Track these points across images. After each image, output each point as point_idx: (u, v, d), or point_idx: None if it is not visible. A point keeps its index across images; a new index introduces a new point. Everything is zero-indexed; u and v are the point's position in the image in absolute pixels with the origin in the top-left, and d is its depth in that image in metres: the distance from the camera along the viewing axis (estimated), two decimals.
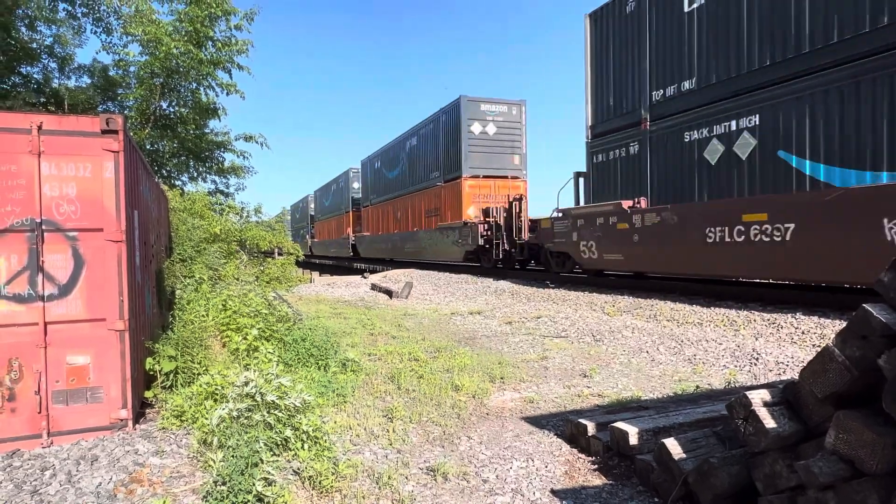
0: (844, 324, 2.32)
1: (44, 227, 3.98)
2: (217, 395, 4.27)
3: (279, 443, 3.57)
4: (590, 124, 13.44)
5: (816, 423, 2.46)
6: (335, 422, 4.45)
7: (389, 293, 15.54)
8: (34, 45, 16.12)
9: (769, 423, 2.51)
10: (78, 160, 4.05)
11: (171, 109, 16.95)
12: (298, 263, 41.25)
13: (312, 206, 48.77)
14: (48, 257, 3.99)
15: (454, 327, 9.74)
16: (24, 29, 15.66)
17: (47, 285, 4.00)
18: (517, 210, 16.80)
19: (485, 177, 20.50)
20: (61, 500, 3.10)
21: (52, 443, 3.95)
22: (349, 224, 35.62)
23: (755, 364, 6.28)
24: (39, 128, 3.96)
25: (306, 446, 3.61)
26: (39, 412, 3.95)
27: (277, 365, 5.30)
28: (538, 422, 4.56)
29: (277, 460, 3.35)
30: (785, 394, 2.62)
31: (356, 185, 35.47)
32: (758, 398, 2.60)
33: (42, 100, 15.55)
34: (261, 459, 3.16)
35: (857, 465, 2.17)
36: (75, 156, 4.05)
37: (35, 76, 16.56)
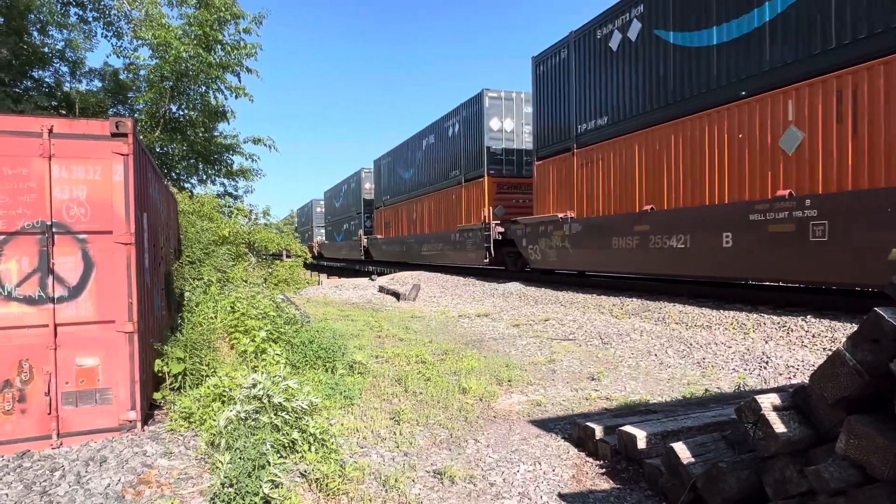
0: (856, 327, 2.30)
1: (54, 229, 4.01)
2: (225, 396, 4.28)
3: (286, 445, 3.58)
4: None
5: (827, 427, 2.43)
6: (342, 424, 4.45)
7: (397, 295, 15.55)
8: (46, 50, 16.27)
9: (779, 427, 2.48)
10: (88, 163, 4.09)
11: (181, 113, 17.07)
12: (318, 266, 38.22)
13: (369, 186, 32.60)
14: (58, 259, 4.02)
15: (461, 330, 9.72)
16: (35, 33, 15.82)
17: (57, 287, 4.03)
18: None
19: None
20: (70, 502, 3.12)
21: (61, 444, 3.98)
22: (484, 201, 18.18)
23: (765, 367, 6.23)
24: (50, 131, 3.99)
25: (313, 448, 3.61)
26: (49, 413, 3.98)
27: (285, 367, 5.32)
28: (545, 425, 4.54)
29: (284, 462, 3.36)
30: (795, 398, 2.59)
31: (498, 122, 18.55)
32: (767, 402, 2.58)
33: (53, 103, 15.68)
34: (268, 461, 3.17)
35: (869, 471, 2.14)
36: (85, 159, 4.08)
37: (47, 80, 16.73)
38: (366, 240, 31.99)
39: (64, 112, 15.15)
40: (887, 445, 2.07)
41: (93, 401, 4.10)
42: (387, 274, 23.54)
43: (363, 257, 32.76)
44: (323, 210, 46.90)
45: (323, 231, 46.70)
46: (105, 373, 4.12)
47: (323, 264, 43.82)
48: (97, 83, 17.84)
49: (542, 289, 14.12)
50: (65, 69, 17.34)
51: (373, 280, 21.09)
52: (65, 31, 16.70)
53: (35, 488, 3.28)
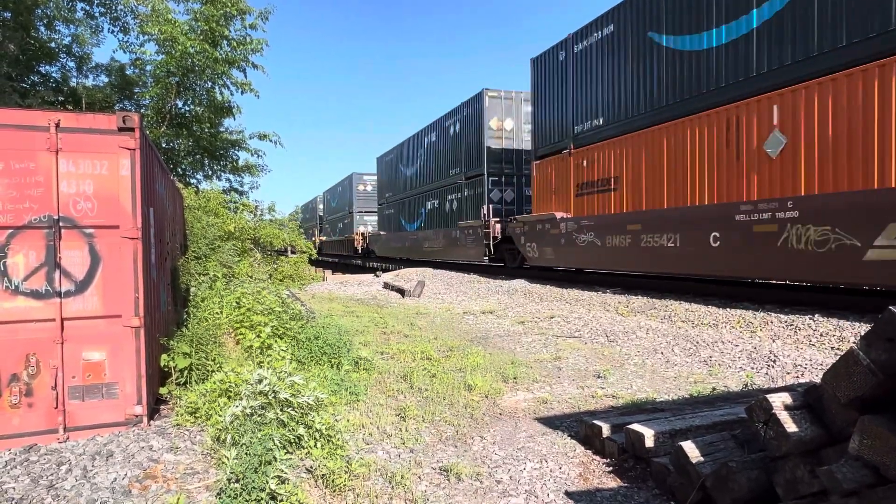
0: (864, 326, 2.28)
1: (61, 223, 4.01)
2: (231, 392, 4.28)
3: (292, 441, 3.57)
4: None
5: (839, 427, 2.40)
6: (348, 420, 4.44)
7: (402, 292, 15.55)
8: (53, 45, 16.32)
9: (790, 427, 2.46)
10: (95, 157, 4.08)
11: (187, 108, 17.11)
12: None
13: (501, 123, 18.33)
14: (65, 254, 4.03)
15: (466, 326, 9.71)
16: (42, 28, 15.87)
17: (64, 282, 4.03)
18: None
19: None
20: (77, 495, 3.12)
21: (68, 438, 3.99)
22: None
23: (772, 366, 6.19)
24: (57, 125, 3.99)
25: (319, 444, 3.60)
26: (56, 407, 3.98)
27: (290, 363, 5.31)
28: (552, 422, 4.52)
29: (290, 458, 3.35)
30: (806, 397, 2.56)
31: None
32: (778, 401, 2.55)
33: (60, 98, 15.74)
34: (274, 457, 3.16)
35: (883, 472, 2.11)
36: (92, 153, 4.07)
37: (54, 75, 16.79)
38: (499, 226, 17.35)
39: (71, 107, 15.20)
40: None
41: (99, 395, 4.11)
42: (391, 270, 23.11)
43: (488, 256, 17.90)
44: (372, 188, 33.10)
45: (374, 218, 31.99)
46: (111, 367, 4.13)
47: (355, 263, 33.58)
48: (104, 78, 17.92)
49: (547, 286, 14.08)
50: (71, 64, 17.42)
51: (377, 276, 21.10)
52: (71, 26, 16.75)
53: (42, 482, 3.29)
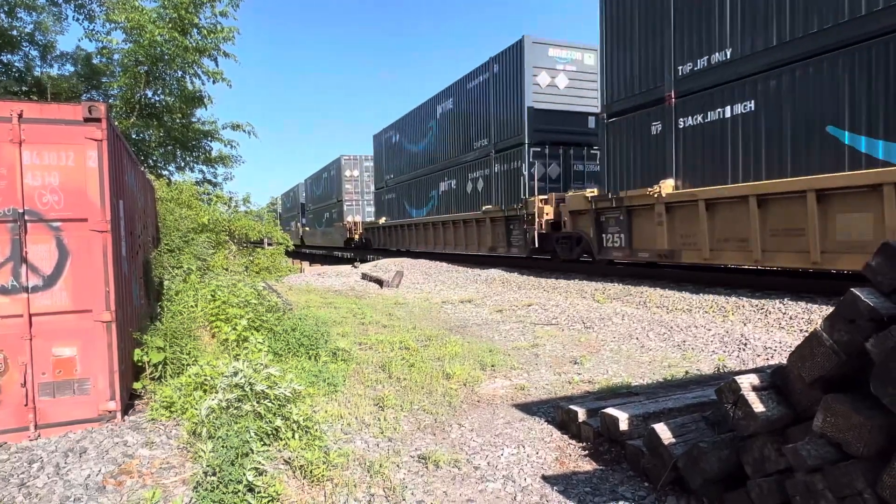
0: (832, 309, 2.34)
1: (26, 217, 3.91)
2: (206, 385, 4.24)
3: (269, 433, 3.56)
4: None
5: (805, 407, 2.48)
6: (326, 411, 4.44)
7: (380, 282, 15.51)
8: (14, 33, 15.79)
9: (758, 407, 2.53)
10: (60, 149, 3.98)
11: (157, 98, 16.73)
12: None
13: None
14: (31, 248, 3.93)
15: (445, 316, 9.74)
16: (3, 15, 15.34)
17: (31, 277, 3.93)
18: None
19: None
20: (49, 493, 3.08)
21: (39, 435, 3.91)
22: None
23: (744, 349, 6.34)
24: (20, 116, 3.87)
25: (297, 436, 3.59)
26: (26, 405, 3.90)
27: (267, 355, 5.28)
28: (529, 409, 4.58)
29: (268, 450, 3.34)
30: (773, 378, 2.63)
31: None
32: (747, 383, 2.62)
33: (24, 88, 15.28)
34: (251, 449, 3.15)
35: (845, 448, 2.19)
36: (58, 145, 3.97)
37: (16, 64, 16.27)
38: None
39: (35, 97, 14.77)
40: (863, 423, 2.12)
41: (71, 391, 4.03)
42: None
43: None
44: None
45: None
46: (83, 363, 4.05)
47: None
48: (69, 67, 17.43)
49: (525, 275, 14.18)
50: (35, 53, 16.90)
51: (355, 267, 21.00)
52: (34, 13, 16.21)
53: (13, 480, 3.23)
